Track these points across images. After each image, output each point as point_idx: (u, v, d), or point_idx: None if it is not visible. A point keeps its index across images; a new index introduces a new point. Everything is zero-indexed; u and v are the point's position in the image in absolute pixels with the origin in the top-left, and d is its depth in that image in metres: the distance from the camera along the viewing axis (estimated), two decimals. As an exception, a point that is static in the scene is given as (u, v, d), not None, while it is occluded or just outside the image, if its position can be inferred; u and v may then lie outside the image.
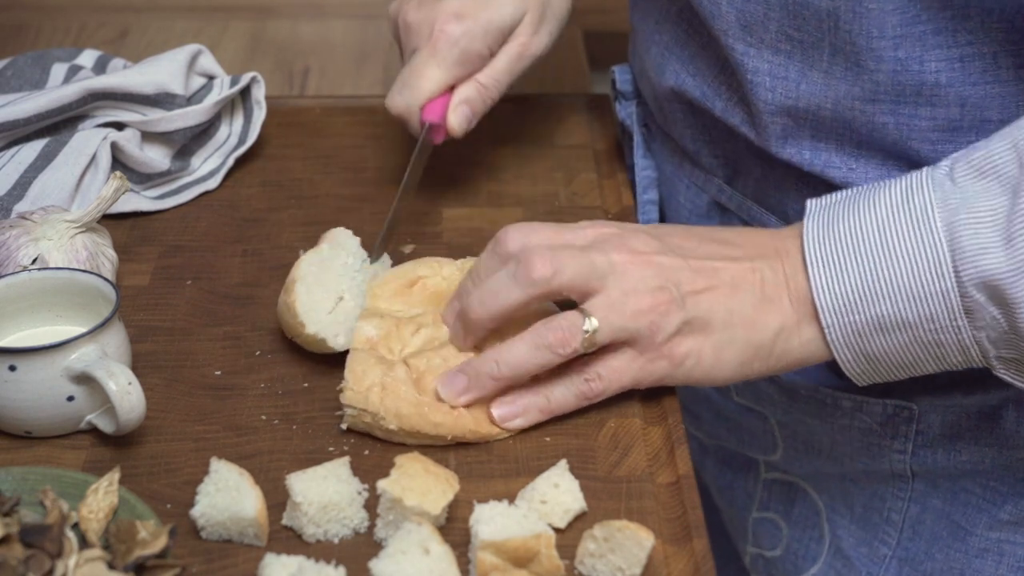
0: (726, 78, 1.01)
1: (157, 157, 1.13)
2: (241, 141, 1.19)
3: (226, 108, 1.20)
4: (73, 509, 0.80)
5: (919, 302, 0.84)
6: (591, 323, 0.86)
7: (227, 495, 0.80)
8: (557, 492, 0.83)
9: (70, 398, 0.87)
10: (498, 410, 0.89)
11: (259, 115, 1.20)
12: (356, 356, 0.90)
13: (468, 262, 0.98)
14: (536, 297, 0.88)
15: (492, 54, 1.07)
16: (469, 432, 0.88)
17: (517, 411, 0.89)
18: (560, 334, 0.87)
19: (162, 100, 1.14)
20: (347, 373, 0.88)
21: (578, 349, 0.87)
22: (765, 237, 0.91)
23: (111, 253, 1.00)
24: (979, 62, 0.90)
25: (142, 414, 0.86)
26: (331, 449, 0.88)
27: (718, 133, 1.06)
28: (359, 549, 0.81)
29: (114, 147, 1.11)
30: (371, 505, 0.82)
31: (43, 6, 1.49)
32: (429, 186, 1.13)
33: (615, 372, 0.89)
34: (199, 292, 1.03)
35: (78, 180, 1.09)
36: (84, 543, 0.78)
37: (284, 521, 0.82)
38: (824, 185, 0.97)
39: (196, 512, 0.80)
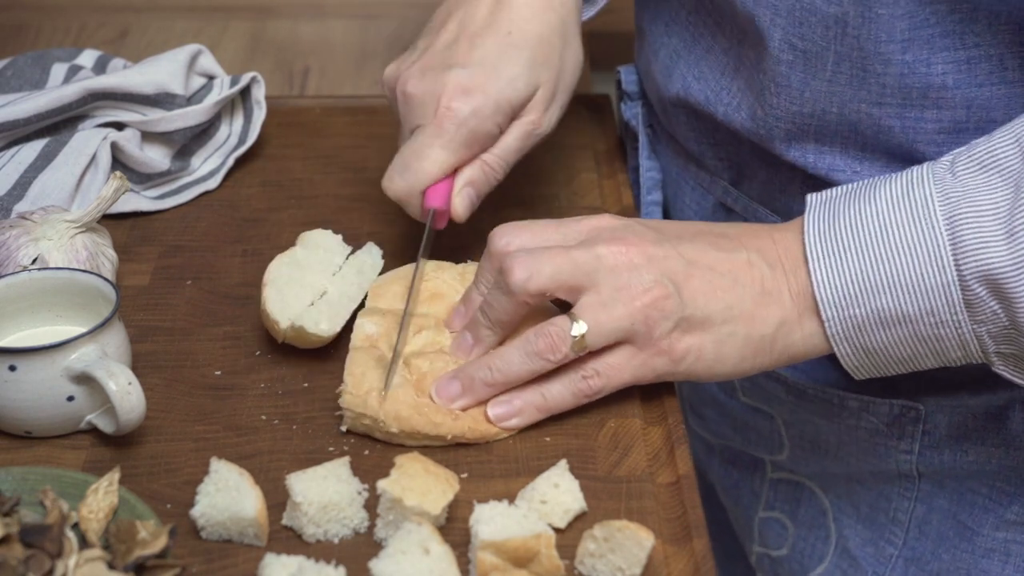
0: (730, 81, 1.01)
1: (157, 157, 1.13)
2: (241, 141, 1.19)
3: (226, 108, 1.20)
4: (73, 509, 0.80)
5: (920, 296, 0.84)
6: (579, 327, 0.86)
7: (227, 495, 0.80)
8: (557, 492, 0.83)
9: (70, 398, 0.87)
10: (494, 409, 0.88)
11: (259, 115, 1.20)
12: (355, 356, 0.90)
13: (470, 267, 0.98)
14: (524, 303, 0.87)
15: (501, 132, 0.98)
16: (469, 432, 0.88)
17: (513, 410, 0.88)
18: (548, 340, 0.86)
19: (162, 100, 1.14)
20: (346, 375, 0.88)
21: (568, 354, 0.86)
22: (764, 231, 0.91)
23: (111, 253, 1.00)
24: (985, 64, 0.90)
25: (142, 414, 0.86)
26: (331, 449, 0.88)
27: (722, 136, 1.06)
28: (359, 549, 0.81)
29: (114, 147, 1.11)
30: (371, 505, 0.82)
31: (43, 6, 1.49)
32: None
33: (613, 369, 0.88)
34: (199, 292, 1.03)
35: (78, 180, 1.09)
36: (84, 543, 0.78)
37: (284, 521, 0.82)
38: (829, 187, 0.97)
39: (196, 512, 0.80)
